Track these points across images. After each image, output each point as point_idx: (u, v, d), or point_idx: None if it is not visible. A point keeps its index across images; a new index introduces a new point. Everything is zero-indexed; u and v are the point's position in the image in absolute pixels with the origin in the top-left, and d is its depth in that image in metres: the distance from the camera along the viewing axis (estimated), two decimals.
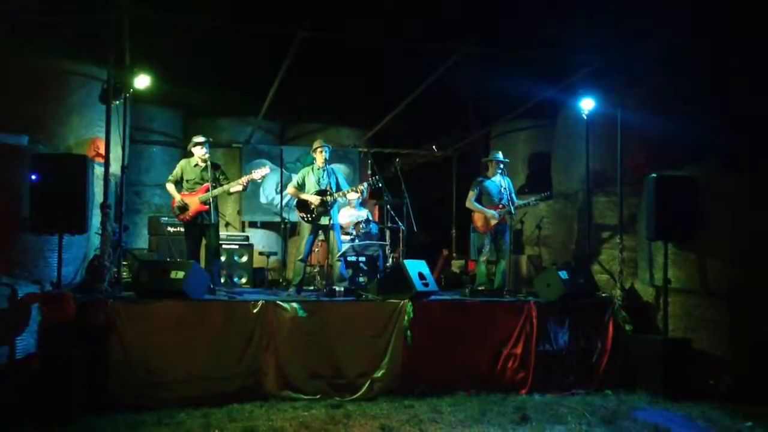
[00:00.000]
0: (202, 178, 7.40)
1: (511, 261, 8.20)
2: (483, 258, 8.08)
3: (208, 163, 7.39)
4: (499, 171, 8.13)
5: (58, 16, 7.09)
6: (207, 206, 7.25)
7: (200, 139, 7.48)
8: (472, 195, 8.11)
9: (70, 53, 7.65)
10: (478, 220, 8.06)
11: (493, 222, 7.90)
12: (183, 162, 7.65)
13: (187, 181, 7.46)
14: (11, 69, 7.42)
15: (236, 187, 7.40)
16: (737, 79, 7.73)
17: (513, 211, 7.86)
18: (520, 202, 8.12)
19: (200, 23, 7.99)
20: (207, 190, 7.26)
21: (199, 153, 7.44)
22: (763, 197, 6.82)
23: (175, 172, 7.57)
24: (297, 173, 8.06)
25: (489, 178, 8.18)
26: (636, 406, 6.21)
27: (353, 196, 8.49)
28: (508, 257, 8.02)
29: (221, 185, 7.35)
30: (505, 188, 8.04)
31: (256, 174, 7.42)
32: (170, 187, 7.48)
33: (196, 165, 7.48)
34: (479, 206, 8.02)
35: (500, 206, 7.94)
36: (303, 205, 7.68)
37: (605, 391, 6.70)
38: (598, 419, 5.68)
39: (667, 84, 8.02)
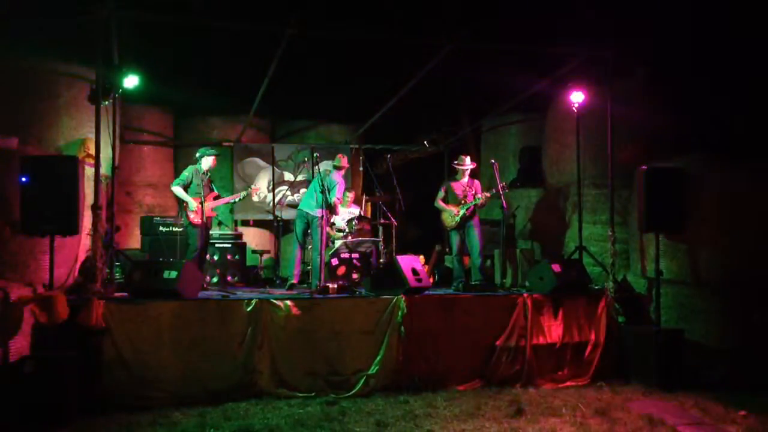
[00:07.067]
0: (207, 187, 7.79)
1: (507, 254, 8.22)
2: (454, 254, 8.13)
3: (210, 174, 7.91)
4: (467, 175, 8.21)
5: (45, 16, 7.05)
6: (215, 212, 7.95)
7: (212, 152, 7.96)
8: (439, 195, 8.24)
9: (58, 54, 7.62)
10: (443, 219, 8.19)
11: (457, 218, 7.96)
12: (191, 168, 7.89)
13: (196, 185, 7.71)
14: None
15: (234, 198, 8.49)
16: (728, 73, 7.77)
17: (477, 201, 7.90)
18: (479, 199, 8.01)
19: (188, 22, 7.95)
20: (214, 198, 7.83)
21: (207, 163, 7.81)
22: (751, 188, 6.86)
23: (185, 177, 7.79)
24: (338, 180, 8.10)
25: (456, 180, 8.23)
26: (630, 396, 6.24)
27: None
28: (476, 251, 8.05)
29: (221, 196, 8.06)
30: (469, 186, 8.12)
31: (253, 192, 8.40)
32: (180, 191, 7.71)
33: (203, 173, 7.79)
34: (442, 205, 8.15)
35: (462, 202, 8.01)
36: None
37: (599, 382, 6.73)
38: (592, 411, 5.70)
39: (657, 77, 8.06)
